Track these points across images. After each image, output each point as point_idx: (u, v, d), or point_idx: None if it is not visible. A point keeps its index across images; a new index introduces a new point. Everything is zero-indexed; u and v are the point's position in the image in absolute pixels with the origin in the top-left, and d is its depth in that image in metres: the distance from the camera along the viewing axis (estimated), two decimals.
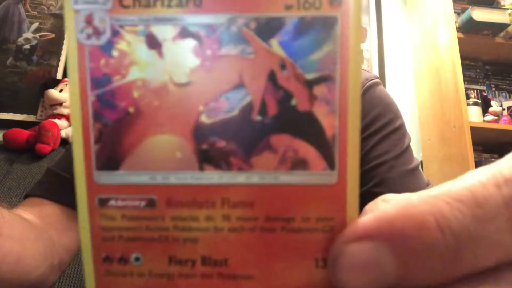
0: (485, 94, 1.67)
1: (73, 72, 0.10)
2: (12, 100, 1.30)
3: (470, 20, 1.47)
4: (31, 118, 1.28)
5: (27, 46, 1.37)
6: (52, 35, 1.40)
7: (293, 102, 0.10)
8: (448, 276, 0.10)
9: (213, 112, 0.10)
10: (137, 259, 0.11)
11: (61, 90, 1.20)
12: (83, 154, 0.10)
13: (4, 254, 0.33)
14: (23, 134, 1.09)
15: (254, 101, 0.10)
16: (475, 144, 1.39)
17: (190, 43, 0.10)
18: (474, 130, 1.35)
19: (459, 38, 1.45)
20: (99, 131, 0.10)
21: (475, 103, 1.51)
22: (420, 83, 1.64)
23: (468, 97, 1.53)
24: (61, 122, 1.14)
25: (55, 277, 0.42)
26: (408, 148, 0.46)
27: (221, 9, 0.10)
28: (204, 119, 0.10)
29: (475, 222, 0.10)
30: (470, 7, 1.49)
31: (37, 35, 1.40)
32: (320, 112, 0.10)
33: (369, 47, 1.67)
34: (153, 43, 0.10)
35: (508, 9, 1.54)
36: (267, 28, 0.10)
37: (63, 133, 1.11)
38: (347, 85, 0.10)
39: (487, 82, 1.72)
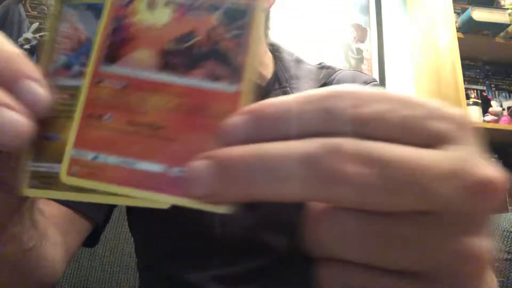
0: (485, 94, 1.67)
1: (105, 16, 0.19)
2: None
3: (470, 20, 1.48)
4: None
5: (27, 46, 1.37)
6: None
7: (220, 45, 0.17)
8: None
9: (175, 43, 0.17)
10: (109, 117, 0.17)
11: None
12: (97, 53, 0.18)
13: (49, 261, 0.33)
14: None
15: (199, 41, 0.17)
16: None
17: (171, 7, 0.18)
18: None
19: (459, 38, 1.46)
20: (111, 41, 0.18)
21: (475, 103, 1.51)
22: (420, 83, 1.64)
23: (468, 97, 1.54)
24: None
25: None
26: None
27: None
28: (170, 45, 0.18)
29: None
30: (470, 7, 1.49)
31: (37, 35, 1.39)
32: (234, 52, 0.17)
33: (369, 47, 1.67)
34: (151, 4, 0.18)
35: (508, 9, 1.54)
36: (210, 8, 0.18)
37: None
38: (249, 40, 0.17)
39: (487, 82, 1.72)
